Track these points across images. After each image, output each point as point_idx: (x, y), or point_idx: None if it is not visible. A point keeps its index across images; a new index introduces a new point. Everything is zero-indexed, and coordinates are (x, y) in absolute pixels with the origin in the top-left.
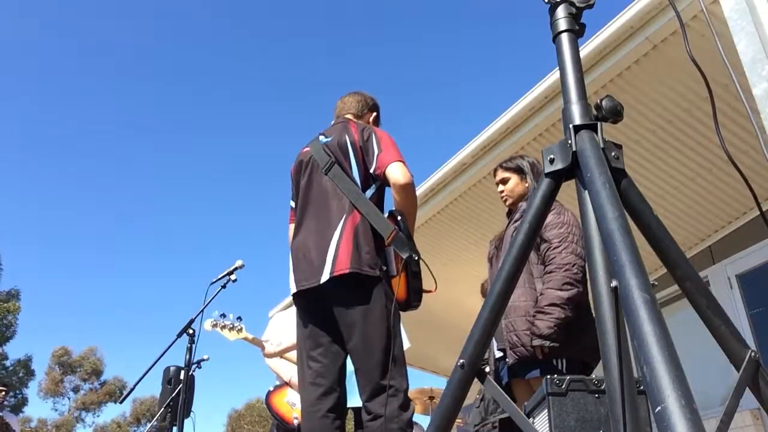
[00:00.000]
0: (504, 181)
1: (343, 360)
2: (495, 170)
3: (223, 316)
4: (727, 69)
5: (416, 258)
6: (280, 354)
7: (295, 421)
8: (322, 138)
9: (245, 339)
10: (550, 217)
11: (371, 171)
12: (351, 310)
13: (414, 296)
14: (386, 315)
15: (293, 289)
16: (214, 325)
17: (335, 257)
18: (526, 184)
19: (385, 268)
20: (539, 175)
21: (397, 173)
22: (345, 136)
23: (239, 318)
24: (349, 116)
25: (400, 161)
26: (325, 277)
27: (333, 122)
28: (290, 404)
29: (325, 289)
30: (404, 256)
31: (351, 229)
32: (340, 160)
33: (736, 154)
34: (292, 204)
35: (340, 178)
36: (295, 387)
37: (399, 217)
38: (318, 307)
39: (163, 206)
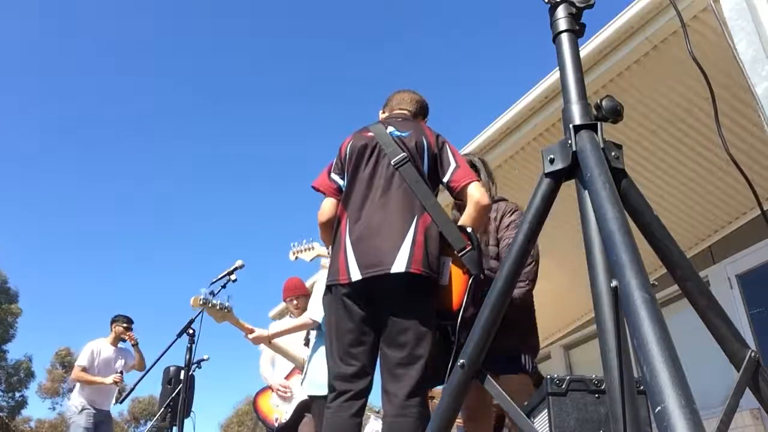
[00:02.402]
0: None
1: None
2: None
3: (213, 294)
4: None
5: (482, 278)
6: (271, 339)
7: (276, 422)
8: (392, 129)
9: (236, 324)
10: (514, 216)
11: (445, 182)
12: (410, 312)
13: (462, 313)
14: (432, 320)
15: (354, 276)
16: (203, 303)
17: (411, 254)
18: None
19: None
20: (490, 174)
21: (478, 193)
22: (423, 138)
23: (228, 297)
24: (406, 112)
25: (478, 181)
26: (398, 268)
27: (394, 116)
28: (273, 405)
29: (390, 279)
30: (474, 272)
31: (423, 231)
32: (416, 160)
33: (736, 154)
34: (336, 178)
35: (414, 178)
36: (275, 390)
37: (471, 232)
38: (368, 299)
39: (164, 206)
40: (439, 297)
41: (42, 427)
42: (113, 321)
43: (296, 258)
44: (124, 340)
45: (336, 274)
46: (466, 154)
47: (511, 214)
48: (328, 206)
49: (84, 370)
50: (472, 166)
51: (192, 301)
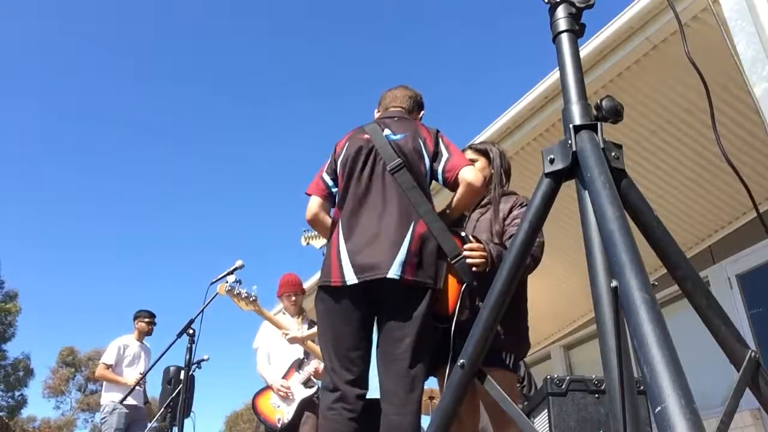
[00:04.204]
0: (471, 162)
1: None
2: (464, 150)
3: (239, 282)
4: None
5: (475, 285)
6: (305, 340)
7: (279, 423)
8: (387, 132)
9: (260, 313)
10: (523, 210)
11: (439, 174)
12: (406, 312)
13: (456, 318)
14: (428, 319)
15: (350, 280)
16: (229, 291)
17: (407, 261)
18: (491, 171)
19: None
20: (504, 166)
21: (471, 175)
22: (419, 140)
23: (254, 287)
24: (400, 110)
25: (472, 165)
26: (393, 274)
27: (390, 114)
28: (274, 406)
29: (385, 284)
30: (466, 281)
31: (418, 239)
32: (412, 164)
33: (736, 154)
34: (327, 179)
35: (409, 184)
36: (275, 391)
37: (465, 236)
38: (365, 302)
39: (165, 206)
40: (434, 300)
41: (47, 428)
42: (135, 317)
43: (307, 243)
44: (149, 335)
45: (329, 276)
46: (482, 142)
47: (521, 207)
48: (313, 205)
49: (109, 367)
50: (485, 153)
51: (219, 288)
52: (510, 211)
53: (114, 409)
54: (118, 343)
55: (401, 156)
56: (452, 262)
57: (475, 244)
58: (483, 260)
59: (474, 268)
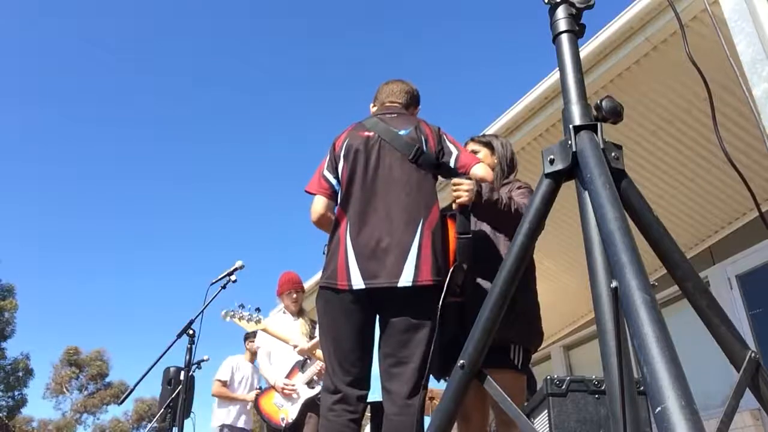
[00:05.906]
0: (474, 153)
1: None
2: (466, 143)
3: (242, 306)
4: (732, 68)
5: (465, 268)
6: (314, 350)
7: (283, 422)
8: (389, 127)
9: (266, 331)
10: (523, 189)
11: (453, 170)
12: (412, 314)
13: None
14: (432, 319)
15: (357, 284)
16: (232, 316)
17: (418, 265)
18: (495, 160)
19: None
20: (507, 157)
21: (482, 171)
22: (421, 135)
23: (258, 309)
24: (397, 105)
25: (481, 162)
26: (405, 282)
27: (387, 110)
28: (277, 406)
29: (396, 292)
30: (458, 260)
31: (429, 235)
32: (416, 158)
33: (734, 154)
34: (329, 177)
35: (415, 179)
36: (279, 390)
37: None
38: (370, 308)
39: (165, 206)
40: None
41: (46, 428)
42: (246, 337)
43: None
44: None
45: (334, 278)
46: (484, 135)
47: (518, 189)
48: (318, 205)
49: (224, 384)
50: (488, 144)
51: (222, 315)
52: (510, 195)
53: (222, 428)
54: (231, 362)
55: (405, 150)
56: (458, 235)
57: (463, 179)
58: (467, 193)
59: (458, 200)
